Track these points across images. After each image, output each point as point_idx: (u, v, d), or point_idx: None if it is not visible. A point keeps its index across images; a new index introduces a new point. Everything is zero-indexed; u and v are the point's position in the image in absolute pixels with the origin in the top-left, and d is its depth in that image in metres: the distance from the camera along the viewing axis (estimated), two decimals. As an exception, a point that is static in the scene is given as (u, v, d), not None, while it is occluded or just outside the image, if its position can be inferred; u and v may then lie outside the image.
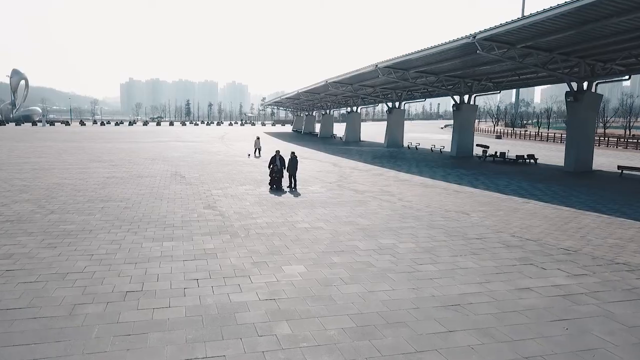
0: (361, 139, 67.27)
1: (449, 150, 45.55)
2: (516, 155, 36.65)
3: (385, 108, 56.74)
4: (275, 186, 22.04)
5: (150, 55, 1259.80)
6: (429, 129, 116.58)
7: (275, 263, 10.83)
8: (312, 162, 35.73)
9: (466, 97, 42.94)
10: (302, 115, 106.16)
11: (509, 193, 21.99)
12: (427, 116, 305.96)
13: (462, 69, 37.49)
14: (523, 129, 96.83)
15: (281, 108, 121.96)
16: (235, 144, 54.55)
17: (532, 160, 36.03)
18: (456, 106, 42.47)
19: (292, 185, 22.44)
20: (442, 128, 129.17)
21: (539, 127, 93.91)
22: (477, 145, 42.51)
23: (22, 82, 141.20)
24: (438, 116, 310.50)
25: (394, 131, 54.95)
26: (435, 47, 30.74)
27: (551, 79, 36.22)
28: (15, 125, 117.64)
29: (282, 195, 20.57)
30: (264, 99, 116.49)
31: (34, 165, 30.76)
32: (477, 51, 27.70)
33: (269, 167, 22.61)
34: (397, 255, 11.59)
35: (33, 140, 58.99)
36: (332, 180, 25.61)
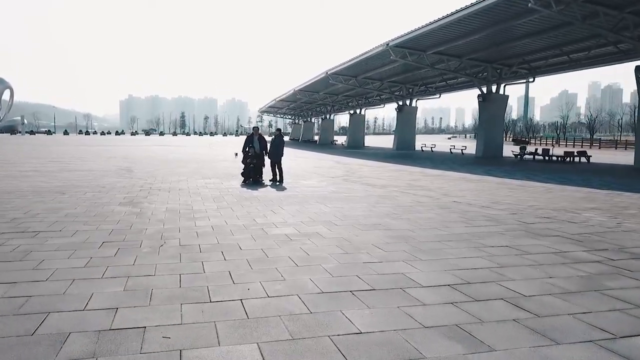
0: (365, 145, 60.11)
1: (471, 152, 38.38)
2: (564, 152, 29.38)
3: (386, 115, 49.51)
4: (251, 179, 14.75)
5: (151, 73, 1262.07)
6: (435, 140, 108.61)
7: (163, 339, 3.49)
8: (309, 160, 28.49)
9: (494, 87, 35.88)
10: (300, 122, 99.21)
11: (603, 188, 14.70)
12: (428, 130, 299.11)
13: (491, 47, 30.38)
14: (537, 140, 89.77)
15: (278, 116, 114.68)
16: (222, 149, 47.38)
17: (583, 159, 28.79)
18: (482, 97, 35.32)
19: (277, 179, 15.19)
20: (448, 139, 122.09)
21: (558, 135, 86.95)
22: (514, 140, 35.19)
23: (7, 91, 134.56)
24: (440, 130, 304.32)
25: (405, 132, 47.66)
26: (465, 8, 23.73)
27: (611, 56, 29.03)
28: None
29: (259, 189, 13.28)
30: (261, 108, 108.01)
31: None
32: (529, 4, 20.66)
33: (243, 150, 15.38)
34: (530, 303, 4.26)
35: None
36: (336, 175, 18.32)
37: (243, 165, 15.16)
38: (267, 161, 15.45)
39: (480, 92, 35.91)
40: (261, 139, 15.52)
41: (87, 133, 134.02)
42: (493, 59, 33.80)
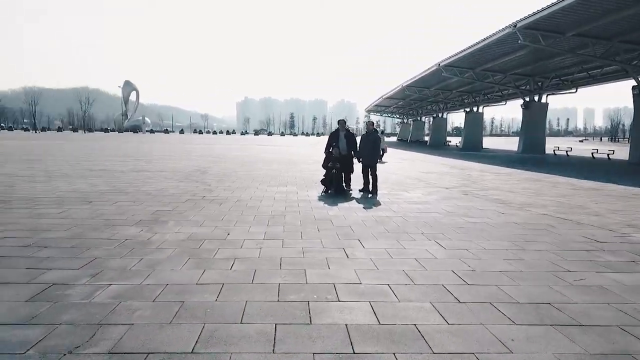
0: (483, 147, 53.34)
1: (619, 157, 30.93)
2: None
3: (504, 115, 42.49)
4: (334, 188, 11.04)
5: (265, 78, 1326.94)
6: (562, 142, 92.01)
7: None
8: (416, 163, 24.13)
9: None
10: (408, 122, 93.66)
11: None
12: (553, 133, 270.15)
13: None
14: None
15: (385, 115, 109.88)
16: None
17: None
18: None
19: (369, 188, 11.34)
20: (580, 141, 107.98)
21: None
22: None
23: (134, 93, 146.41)
24: (566, 132, 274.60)
25: (532, 133, 40.51)
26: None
27: None
28: (118, 132, 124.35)
29: (340, 205, 9.51)
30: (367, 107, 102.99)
31: None
32: None
33: (325, 151, 11.78)
34: None
35: (99, 141, 54.43)
36: (449, 185, 13.92)
37: (323, 167, 11.57)
38: (358, 165, 11.71)
39: (636, 83, 28.57)
40: (349, 137, 11.76)
41: (200, 132, 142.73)
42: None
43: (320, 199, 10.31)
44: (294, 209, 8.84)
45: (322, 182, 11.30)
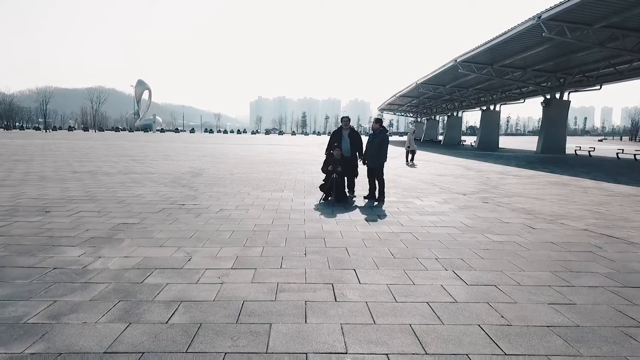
0: (499, 146, 51.26)
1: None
2: None
3: (520, 113, 40.51)
4: (335, 195, 9.55)
5: (279, 78, 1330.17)
6: (581, 142, 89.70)
7: None
8: (429, 165, 22.51)
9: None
10: (422, 121, 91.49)
11: None
12: (570, 132, 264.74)
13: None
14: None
15: (399, 114, 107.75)
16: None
17: None
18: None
19: (374, 195, 9.87)
20: (599, 141, 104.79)
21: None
22: None
23: (146, 92, 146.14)
24: (584, 132, 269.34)
25: (553, 132, 38.52)
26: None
27: None
28: (129, 131, 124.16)
29: (339, 216, 8.05)
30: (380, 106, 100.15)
31: None
32: None
33: (326, 152, 10.33)
34: None
35: (105, 140, 53.54)
36: (466, 190, 12.34)
37: (322, 171, 10.11)
38: (364, 169, 10.23)
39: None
40: (353, 135, 10.27)
41: (211, 131, 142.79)
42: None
43: (317, 208, 8.84)
44: (283, 222, 7.40)
45: (321, 187, 9.83)
